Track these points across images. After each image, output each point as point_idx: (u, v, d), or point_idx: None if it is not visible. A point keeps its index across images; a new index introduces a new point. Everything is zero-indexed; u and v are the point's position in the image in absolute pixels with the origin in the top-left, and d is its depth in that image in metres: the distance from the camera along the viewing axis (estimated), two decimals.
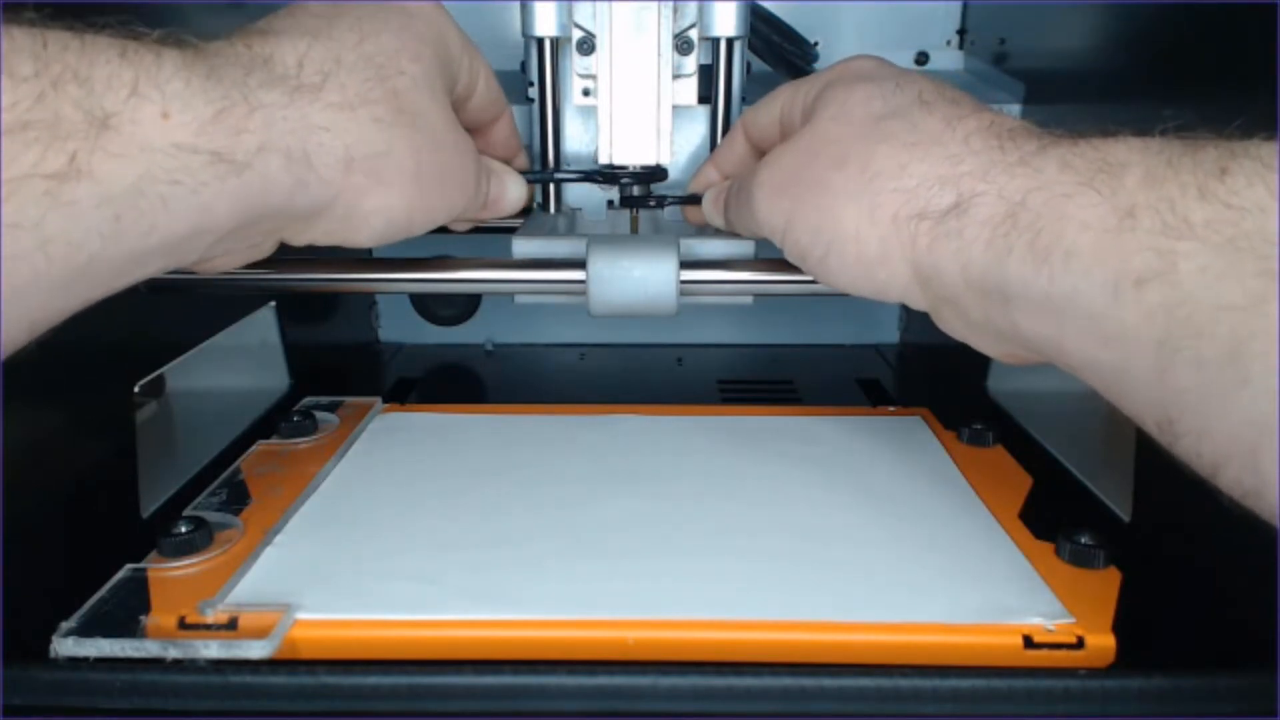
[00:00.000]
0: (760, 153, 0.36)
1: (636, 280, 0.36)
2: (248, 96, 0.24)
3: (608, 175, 0.42)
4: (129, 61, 0.22)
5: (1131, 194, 0.22)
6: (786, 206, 0.31)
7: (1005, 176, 0.26)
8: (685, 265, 0.36)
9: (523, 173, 0.37)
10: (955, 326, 0.29)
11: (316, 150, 0.26)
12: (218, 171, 0.23)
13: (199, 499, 0.37)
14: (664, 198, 0.42)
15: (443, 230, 0.33)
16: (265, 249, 0.30)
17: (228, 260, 0.29)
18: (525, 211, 0.43)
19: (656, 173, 0.43)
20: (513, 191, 0.36)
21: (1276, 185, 0.20)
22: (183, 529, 0.33)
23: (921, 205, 0.27)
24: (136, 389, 0.39)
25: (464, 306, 0.64)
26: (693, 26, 0.42)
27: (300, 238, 0.29)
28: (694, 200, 0.40)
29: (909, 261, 0.28)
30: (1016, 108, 0.55)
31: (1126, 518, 0.38)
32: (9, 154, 0.19)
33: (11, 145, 0.19)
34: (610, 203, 0.53)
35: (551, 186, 0.47)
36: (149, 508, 0.38)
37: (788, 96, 0.35)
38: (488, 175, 0.35)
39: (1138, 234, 0.22)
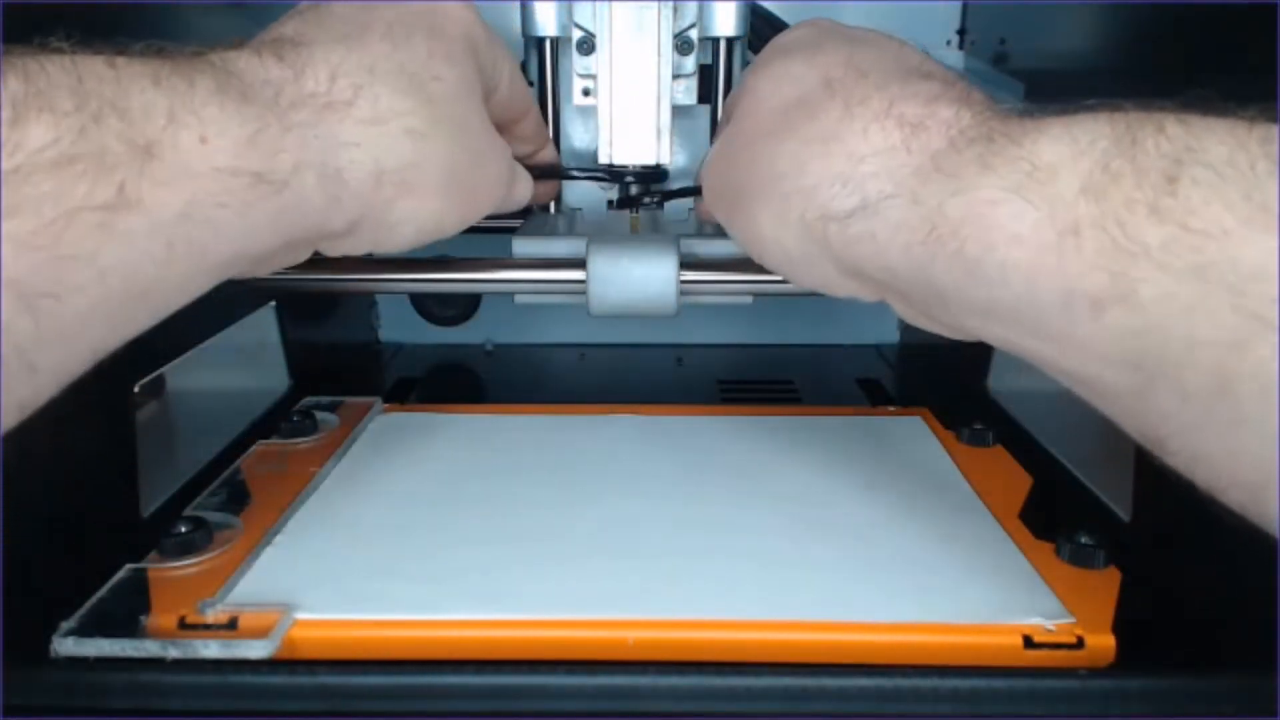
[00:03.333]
0: None
1: (636, 280, 0.36)
2: (281, 117, 0.24)
3: (615, 174, 0.43)
4: (163, 89, 0.22)
5: (1071, 208, 0.20)
6: (722, 211, 0.31)
7: (915, 180, 0.23)
8: (685, 265, 0.36)
9: (530, 168, 0.37)
10: (911, 317, 0.27)
11: (348, 166, 0.26)
12: (260, 192, 0.24)
13: (199, 499, 0.37)
14: (667, 193, 0.42)
15: None
16: (300, 259, 0.30)
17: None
18: (526, 211, 0.43)
19: (660, 173, 0.43)
20: (524, 189, 0.36)
21: (1236, 200, 0.18)
22: (183, 529, 0.33)
23: (823, 206, 0.25)
24: (137, 389, 0.39)
25: (464, 307, 0.64)
26: (692, 26, 0.42)
27: (335, 251, 0.29)
28: (698, 191, 0.39)
29: (832, 261, 0.26)
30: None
31: (1126, 517, 0.38)
32: (59, 188, 0.19)
33: (61, 179, 0.20)
34: (610, 202, 0.53)
35: None
36: (149, 507, 0.38)
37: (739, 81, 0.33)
38: (515, 176, 0.35)
39: (1084, 254, 0.19)
